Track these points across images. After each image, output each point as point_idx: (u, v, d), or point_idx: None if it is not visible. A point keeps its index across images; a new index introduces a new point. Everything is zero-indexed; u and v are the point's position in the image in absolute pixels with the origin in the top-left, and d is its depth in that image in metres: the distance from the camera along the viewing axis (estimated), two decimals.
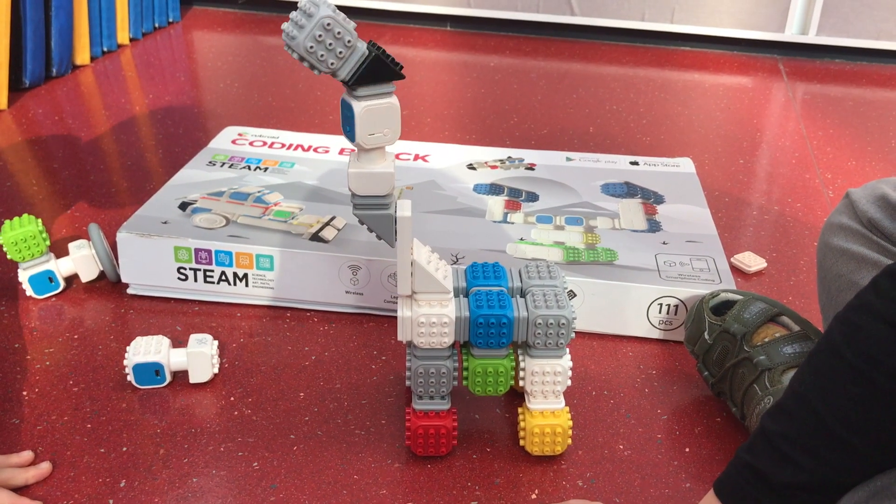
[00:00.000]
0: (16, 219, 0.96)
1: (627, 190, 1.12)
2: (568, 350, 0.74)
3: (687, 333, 0.85)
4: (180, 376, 0.85)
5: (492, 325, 0.72)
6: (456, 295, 0.75)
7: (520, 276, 0.77)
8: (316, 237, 0.97)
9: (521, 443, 0.76)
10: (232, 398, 0.83)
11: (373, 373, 0.87)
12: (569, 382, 0.75)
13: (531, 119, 1.54)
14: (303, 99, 1.59)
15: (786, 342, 0.76)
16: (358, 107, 0.65)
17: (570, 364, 0.74)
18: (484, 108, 1.58)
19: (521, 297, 0.75)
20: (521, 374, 0.74)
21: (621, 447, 0.78)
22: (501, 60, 1.87)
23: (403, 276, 0.71)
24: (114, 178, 1.27)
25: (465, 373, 0.75)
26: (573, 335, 0.73)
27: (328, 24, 0.62)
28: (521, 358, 0.74)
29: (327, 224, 0.99)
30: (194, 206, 1.02)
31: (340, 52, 0.63)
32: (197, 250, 0.95)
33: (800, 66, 1.89)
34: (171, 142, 1.39)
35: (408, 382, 0.75)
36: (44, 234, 0.96)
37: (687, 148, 1.43)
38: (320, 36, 0.62)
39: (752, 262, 1.07)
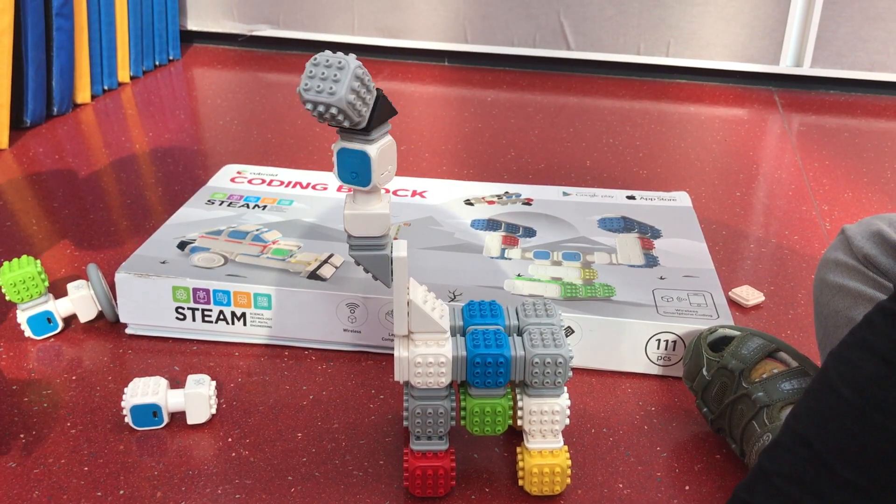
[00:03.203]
0: (14, 260, 0.96)
1: (624, 224, 1.12)
2: (566, 389, 0.74)
3: (685, 369, 0.85)
4: (178, 417, 0.85)
5: (489, 365, 0.72)
6: (453, 334, 0.75)
7: (517, 314, 0.77)
8: (314, 275, 0.97)
9: (520, 482, 0.76)
10: (230, 439, 0.83)
11: (371, 412, 0.87)
12: (567, 421, 0.74)
13: (528, 153, 1.55)
14: (301, 135, 1.61)
15: (784, 378, 0.76)
16: (373, 150, 0.65)
17: (569, 402, 0.74)
18: (481, 142, 1.59)
19: (518, 335, 0.75)
20: (520, 413, 0.74)
21: (621, 486, 0.78)
22: (498, 95, 1.88)
23: (400, 316, 0.71)
24: (113, 216, 1.27)
25: (462, 412, 0.75)
26: (570, 374, 0.73)
27: (360, 74, 0.62)
28: (518, 397, 0.74)
29: (325, 262, 1.00)
30: (193, 245, 1.02)
31: (368, 100, 0.64)
32: (195, 290, 0.95)
33: (795, 98, 1.90)
34: (170, 179, 1.40)
35: (405, 423, 0.75)
36: (42, 276, 0.96)
37: (684, 181, 1.44)
38: (357, 87, 0.62)
39: (749, 295, 1.07)
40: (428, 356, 0.71)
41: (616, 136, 1.65)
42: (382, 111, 0.65)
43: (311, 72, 0.63)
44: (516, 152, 1.55)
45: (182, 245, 1.02)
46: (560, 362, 0.72)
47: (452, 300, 0.93)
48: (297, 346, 0.97)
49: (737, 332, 0.83)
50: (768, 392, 0.75)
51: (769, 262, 1.18)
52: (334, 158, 0.67)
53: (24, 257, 0.96)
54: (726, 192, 1.40)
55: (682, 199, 1.21)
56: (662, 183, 1.43)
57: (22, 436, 0.83)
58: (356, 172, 0.66)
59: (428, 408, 0.73)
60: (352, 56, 0.63)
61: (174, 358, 0.95)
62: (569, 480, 0.75)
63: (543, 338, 0.73)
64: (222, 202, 1.15)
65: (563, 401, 0.74)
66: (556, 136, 1.63)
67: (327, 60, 0.63)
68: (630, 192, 1.22)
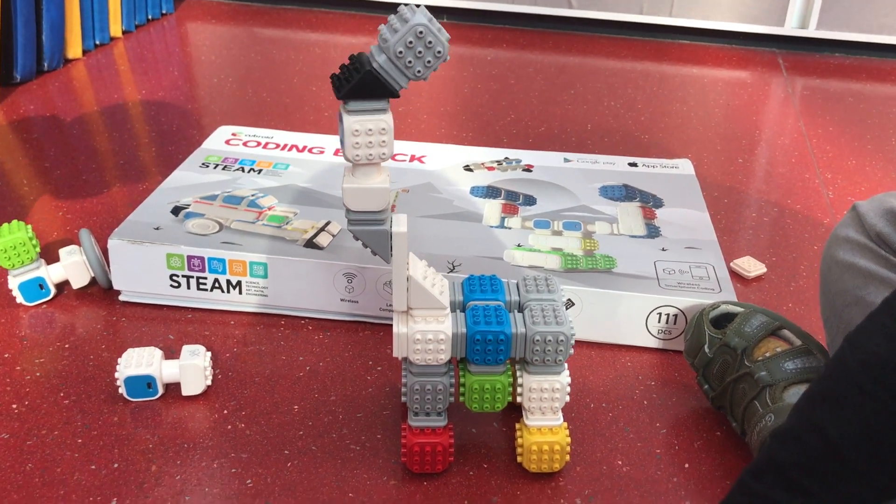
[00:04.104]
0: (5, 225, 0.94)
1: (626, 193, 1.10)
2: (567, 366, 0.73)
3: (686, 345, 0.84)
4: (173, 388, 0.84)
5: (489, 342, 0.70)
6: (452, 310, 0.74)
7: (517, 289, 0.76)
8: (310, 244, 0.95)
9: (519, 459, 0.75)
10: (225, 411, 0.82)
11: (368, 384, 0.86)
12: (567, 398, 0.74)
13: (528, 116, 1.52)
14: (298, 94, 1.57)
15: (787, 357, 0.75)
16: (348, 121, 0.63)
17: (569, 380, 0.73)
18: (480, 104, 1.57)
19: (518, 311, 0.74)
20: (519, 389, 0.73)
21: (620, 463, 0.77)
22: (498, 54, 1.85)
23: (399, 291, 0.70)
24: (106, 177, 1.25)
25: (461, 389, 0.74)
26: (572, 351, 0.72)
27: (420, 32, 0.61)
28: (518, 374, 0.73)
29: (322, 230, 0.98)
30: (187, 210, 1.00)
31: (429, 62, 0.63)
32: (189, 257, 0.93)
33: (799, 61, 1.87)
34: (164, 139, 1.37)
35: (403, 398, 0.74)
36: (34, 241, 0.94)
37: (686, 146, 1.42)
38: (411, 42, 0.62)
39: (751, 267, 1.06)
40: (427, 332, 0.70)
41: (617, 98, 1.62)
42: (366, 84, 0.62)
43: (390, 19, 0.63)
44: (516, 115, 1.52)
45: (176, 210, 1.00)
46: (561, 340, 0.70)
47: (451, 271, 0.92)
48: (293, 314, 0.95)
49: (740, 309, 0.81)
50: (771, 371, 0.74)
51: (771, 231, 1.17)
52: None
53: (14, 222, 0.94)
54: (728, 159, 1.38)
55: (684, 166, 1.19)
56: (664, 148, 1.41)
57: (14, 406, 0.82)
58: (341, 141, 0.65)
59: (427, 384, 0.72)
60: (421, 12, 0.62)
61: (169, 326, 0.93)
62: (568, 458, 0.75)
63: (545, 314, 0.72)
64: (217, 165, 1.12)
65: (564, 378, 0.73)
66: (556, 98, 1.60)
67: (402, 12, 0.63)
68: (632, 160, 1.20)
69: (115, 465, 0.75)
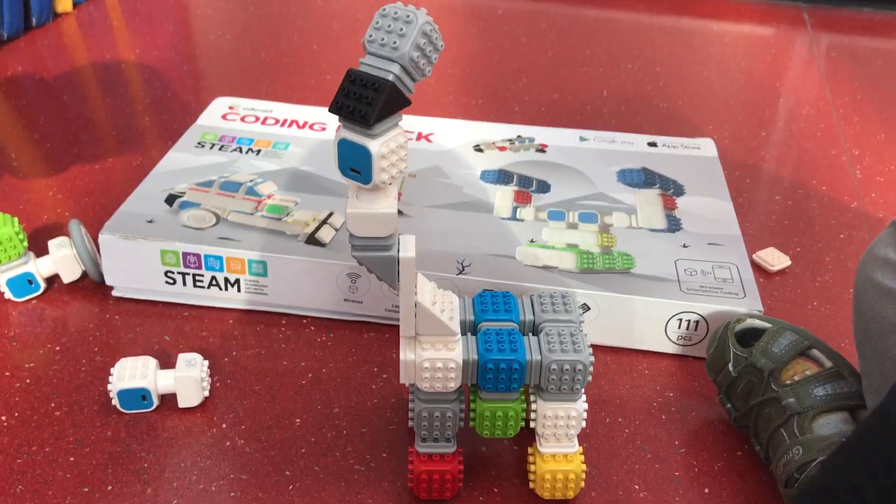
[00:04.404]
0: None
1: (645, 178, 1.05)
2: (584, 393, 0.69)
3: (709, 359, 0.80)
4: (169, 398, 0.80)
5: (502, 370, 0.66)
6: (463, 332, 0.69)
7: (532, 306, 0.71)
8: (312, 239, 0.90)
9: (531, 485, 0.72)
10: (224, 425, 0.78)
11: (373, 394, 0.82)
12: (583, 424, 0.70)
13: (541, 80, 1.45)
14: (298, 53, 1.50)
15: (817, 382, 0.71)
16: (375, 146, 0.58)
17: (586, 407, 0.69)
18: (490, 66, 1.49)
19: (533, 334, 0.69)
20: (533, 415, 0.69)
21: (637, 487, 0.74)
22: (509, 6, 1.76)
23: (407, 317, 0.65)
24: (98, 151, 1.19)
25: (472, 414, 0.70)
26: (589, 378, 0.67)
27: (428, 31, 0.57)
28: (532, 399, 0.69)
29: (324, 222, 0.93)
30: (182, 199, 0.95)
31: (434, 59, 0.58)
32: (185, 254, 0.89)
33: (826, 16, 1.78)
34: (159, 106, 1.30)
35: (410, 423, 0.70)
36: (20, 236, 0.89)
37: (706, 117, 1.35)
38: (423, 44, 0.57)
39: (775, 260, 1.01)
40: (436, 361, 0.65)
41: (635, 60, 1.54)
42: (390, 102, 0.57)
43: (377, 23, 0.57)
44: (528, 79, 1.45)
45: (171, 199, 0.95)
46: (579, 369, 0.66)
47: (461, 272, 0.87)
48: (294, 313, 0.91)
49: (766, 325, 0.77)
50: (800, 398, 0.70)
51: (795, 217, 1.11)
52: (334, 148, 0.60)
53: None
54: (750, 132, 1.31)
55: (706, 147, 1.12)
56: (685, 120, 1.34)
57: (4, 418, 0.78)
58: (357, 168, 0.59)
59: (435, 411, 0.68)
60: (422, 11, 0.57)
61: (164, 325, 0.89)
62: (582, 485, 0.71)
63: (562, 340, 0.67)
64: (213, 145, 1.06)
65: (580, 405, 0.69)
66: (570, 60, 1.53)
67: (395, 13, 0.57)
68: (651, 138, 1.14)
69: (109, 488, 0.72)
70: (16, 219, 0.90)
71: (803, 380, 0.71)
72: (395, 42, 0.57)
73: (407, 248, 0.63)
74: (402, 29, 0.57)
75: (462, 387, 0.69)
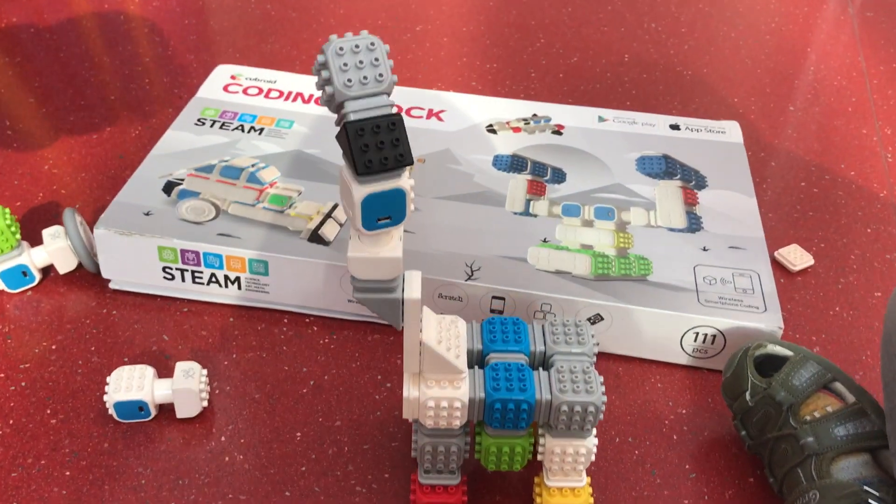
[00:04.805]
0: None
1: (666, 167, 1.00)
2: (595, 430, 0.66)
3: (725, 383, 0.77)
4: (167, 408, 0.78)
5: (509, 410, 0.63)
6: (470, 364, 0.66)
7: (544, 336, 0.68)
8: (315, 236, 0.86)
9: None
10: (223, 438, 0.76)
11: (376, 405, 0.80)
12: (592, 458, 0.67)
13: (560, 41, 1.38)
14: (304, 7, 1.43)
15: (838, 421, 0.68)
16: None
17: (596, 442, 0.66)
18: (507, 24, 1.42)
19: (543, 368, 0.66)
20: (541, 449, 0.67)
21: None
22: None
23: (411, 356, 0.62)
24: (95, 118, 1.14)
25: (477, 447, 0.67)
26: (601, 416, 0.64)
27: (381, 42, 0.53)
28: (541, 432, 0.67)
29: (328, 216, 0.89)
30: (180, 187, 0.91)
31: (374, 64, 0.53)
32: (183, 251, 0.85)
33: None
34: (159, 67, 1.25)
35: (413, 454, 0.68)
36: (13, 228, 0.86)
37: (732, 88, 1.28)
38: (346, 66, 0.53)
39: (797, 259, 0.97)
40: (441, 400, 0.63)
41: (659, 19, 1.46)
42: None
43: (342, 65, 0.52)
44: (546, 39, 1.38)
45: (168, 188, 0.91)
46: (590, 411, 0.63)
47: (470, 277, 0.83)
48: (297, 311, 0.88)
49: (788, 352, 0.73)
50: (819, 438, 0.67)
51: (820, 206, 1.06)
52: (356, 209, 0.55)
53: None
54: (778, 107, 1.25)
55: (731, 131, 1.07)
56: (709, 90, 1.27)
57: None
58: (387, 215, 0.55)
59: (439, 445, 0.66)
60: (364, 32, 0.53)
61: (163, 323, 0.86)
62: None
63: (574, 378, 0.64)
64: (214, 122, 1.02)
65: (590, 443, 0.66)
66: (591, 18, 1.45)
67: (354, 46, 0.52)
68: (674, 120, 1.08)
69: None
70: (7, 210, 0.86)
71: (824, 417, 0.68)
72: (379, 75, 0.52)
73: (412, 287, 0.59)
74: (375, 60, 0.52)
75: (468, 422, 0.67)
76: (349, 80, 0.51)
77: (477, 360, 0.67)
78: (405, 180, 0.54)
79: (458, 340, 0.64)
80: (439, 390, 0.63)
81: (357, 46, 0.51)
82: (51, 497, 0.71)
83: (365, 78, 0.52)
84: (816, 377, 0.71)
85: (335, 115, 0.54)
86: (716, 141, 1.05)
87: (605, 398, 0.63)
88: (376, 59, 0.52)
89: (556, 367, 0.65)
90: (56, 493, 0.71)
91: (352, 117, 0.52)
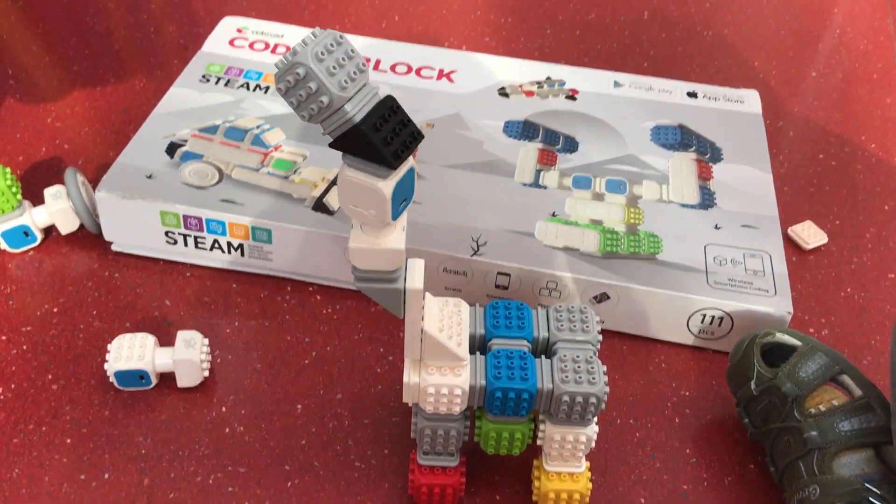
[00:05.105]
0: None
1: (681, 138, 0.97)
2: (595, 419, 0.66)
3: (730, 370, 0.76)
4: (168, 377, 0.78)
5: (510, 399, 0.63)
6: (472, 350, 0.65)
7: (548, 321, 0.67)
8: (319, 205, 0.85)
9: (535, 498, 0.70)
10: (223, 408, 0.76)
11: (377, 379, 0.79)
12: (592, 445, 0.67)
13: None
14: None
15: (843, 415, 0.67)
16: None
17: (596, 430, 0.66)
18: None
19: (546, 355, 0.65)
20: (541, 435, 0.66)
21: (643, 500, 0.72)
22: None
23: (412, 342, 0.61)
24: (99, 69, 1.12)
25: (477, 431, 0.67)
26: (603, 407, 0.64)
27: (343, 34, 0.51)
28: (541, 418, 0.66)
29: (333, 184, 0.87)
30: (184, 149, 0.89)
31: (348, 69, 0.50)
32: (186, 217, 0.84)
33: None
34: (165, 16, 1.21)
35: (413, 435, 0.68)
36: (13, 189, 0.85)
37: (753, 50, 1.24)
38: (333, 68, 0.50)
39: (811, 237, 0.95)
40: (442, 387, 0.62)
41: None
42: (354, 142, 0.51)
43: (329, 69, 0.49)
44: None
45: (171, 149, 0.89)
46: (592, 402, 0.62)
47: (476, 252, 0.82)
48: (300, 279, 0.87)
49: (796, 342, 0.72)
50: (823, 432, 0.67)
51: (838, 181, 1.04)
52: (387, 203, 0.53)
53: None
54: (800, 72, 1.21)
55: (750, 100, 1.04)
56: (729, 54, 1.23)
57: (0, 390, 0.76)
58: (406, 197, 0.54)
59: (438, 429, 0.65)
60: (319, 30, 0.50)
61: (165, 288, 0.86)
62: (588, 500, 0.69)
63: (577, 368, 0.63)
64: (219, 79, 0.99)
65: (591, 431, 0.65)
66: None
67: (325, 48, 0.49)
68: (691, 87, 1.05)
69: (106, 476, 0.71)
70: (8, 169, 0.85)
71: (829, 411, 0.67)
72: (358, 68, 0.50)
73: (415, 277, 0.58)
74: (348, 53, 0.49)
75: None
76: (343, 83, 0.49)
77: (479, 345, 0.66)
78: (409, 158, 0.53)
79: (460, 328, 0.63)
80: (440, 377, 0.62)
81: (330, 46, 0.49)
82: (52, 464, 0.71)
83: (351, 75, 0.49)
84: (824, 369, 0.70)
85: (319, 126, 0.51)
86: (734, 111, 1.02)
87: (607, 389, 0.63)
88: (350, 53, 0.49)
89: (559, 355, 0.64)
90: (57, 460, 0.72)
91: (358, 117, 0.50)
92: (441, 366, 0.62)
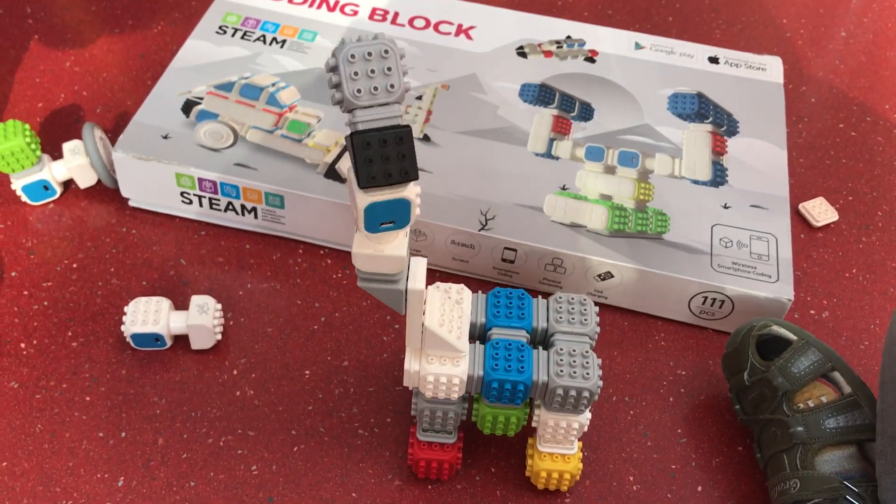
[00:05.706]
0: (0, 126, 0.85)
1: (699, 107, 0.96)
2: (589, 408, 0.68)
3: (725, 357, 0.77)
4: (182, 338, 0.81)
5: (506, 389, 0.65)
6: (472, 337, 0.67)
7: (548, 312, 0.69)
8: (332, 171, 0.86)
9: (527, 473, 0.73)
10: (235, 371, 0.80)
11: (384, 347, 0.82)
12: (584, 430, 0.70)
13: None
14: None
15: (830, 412, 0.69)
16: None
17: (589, 416, 0.69)
18: None
19: (543, 346, 0.68)
20: (535, 418, 0.69)
21: (632, 479, 0.75)
22: None
23: (413, 334, 0.63)
24: (118, 10, 1.11)
25: (475, 412, 0.70)
26: (596, 399, 0.66)
27: (401, 47, 0.52)
28: (536, 403, 0.69)
29: (346, 149, 0.88)
30: (199, 108, 0.90)
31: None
32: (201, 179, 0.85)
33: None
34: None
35: (413, 413, 0.71)
36: (32, 145, 0.86)
37: (783, 7, 1.21)
38: (405, 65, 0.53)
39: (821, 214, 0.95)
40: (441, 375, 0.64)
41: None
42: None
43: (353, 73, 0.50)
44: None
45: (187, 107, 0.90)
46: (585, 396, 0.65)
47: (483, 227, 0.83)
48: (312, 242, 0.89)
49: (792, 336, 0.74)
50: (809, 428, 0.69)
51: (855, 154, 1.03)
52: (360, 214, 0.54)
53: (10, 123, 0.85)
54: (828, 32, 1.18)
55: (772, 68, 1.02)
56: (756, 9, 1.20)
57: (23, 345, 0.80)
58: (390, 220, 0.55)
59: (437, 410, 0.68)
60: (381, 34, 0.51)
61: (180, 247, 0.88)
62: (578, 478, 0.73)
63: (572, 363, 0.65)
64: (235, 31, 0.99)
65: (584, 419, 0.68)
66: None
67: (366, 53, 0.50)
68: (713, 52, 1.03)
69: (123, 435, 0.75)
70: (27, 126, 0.86)
71: (816, 408, 0.70)
72: (390, 85, 0.50)
73: (416, 278, 0.59)
74: (387, 69, 0.50)
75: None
76: (359, 90, 0.50)
77: (480, 333, 0.68)
78: (411, 189, 0.53)
79: (460, 321, 0.65)
80: (439, 366, 0.64)
81: (369, 54, 0.49)
82: (71, 421, 0.76)
83: (375, 88, 0.50)
84: (816, 366, 0.71)
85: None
86: (755, 79, 1.00)
87: (600, 383, 0.65)
88: (389, 69, 0.50)
89: (556, 348, 0.66)
90: (77, 417, 0.76)
91: (360, 127, 0.51)
92: (441, 357, 0.65)
